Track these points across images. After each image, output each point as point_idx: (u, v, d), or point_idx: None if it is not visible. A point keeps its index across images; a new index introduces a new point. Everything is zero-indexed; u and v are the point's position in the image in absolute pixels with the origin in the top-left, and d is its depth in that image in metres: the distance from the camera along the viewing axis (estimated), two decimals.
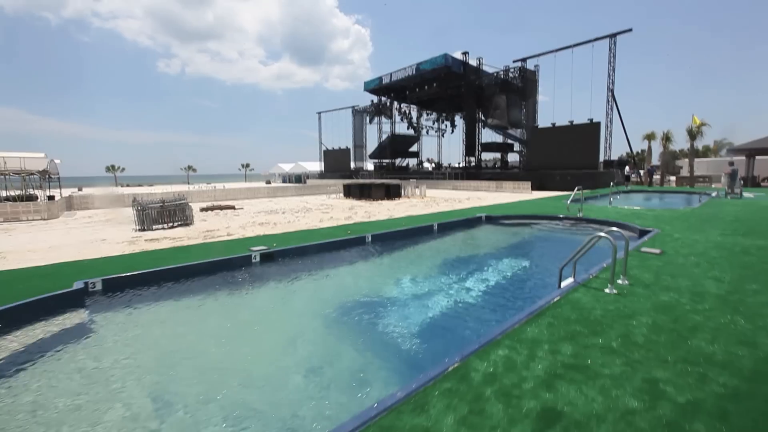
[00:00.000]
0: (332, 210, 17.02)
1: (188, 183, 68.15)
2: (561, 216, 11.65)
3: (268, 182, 60.14)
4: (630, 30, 32.57)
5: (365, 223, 11.39)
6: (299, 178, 58.21)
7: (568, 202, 11.38)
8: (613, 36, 32.80)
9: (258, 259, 7.06)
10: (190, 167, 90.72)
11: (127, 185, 64.36)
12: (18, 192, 24.41)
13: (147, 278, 5.82)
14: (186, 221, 13.40)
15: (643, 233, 8.80)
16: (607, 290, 4.55)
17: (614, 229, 4.79)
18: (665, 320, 3.71)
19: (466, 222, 11.54)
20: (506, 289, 5.76)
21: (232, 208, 19.36)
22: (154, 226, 12.39)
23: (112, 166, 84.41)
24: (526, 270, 6.74)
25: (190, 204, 14.40)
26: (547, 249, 8.64)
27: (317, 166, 66.21)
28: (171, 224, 12.86)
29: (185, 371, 3.70)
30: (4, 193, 24.03)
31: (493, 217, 12.10)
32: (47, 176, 27.59)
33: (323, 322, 4.85)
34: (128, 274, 5.76)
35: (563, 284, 5.01)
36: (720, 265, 5.67)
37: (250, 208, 19.35)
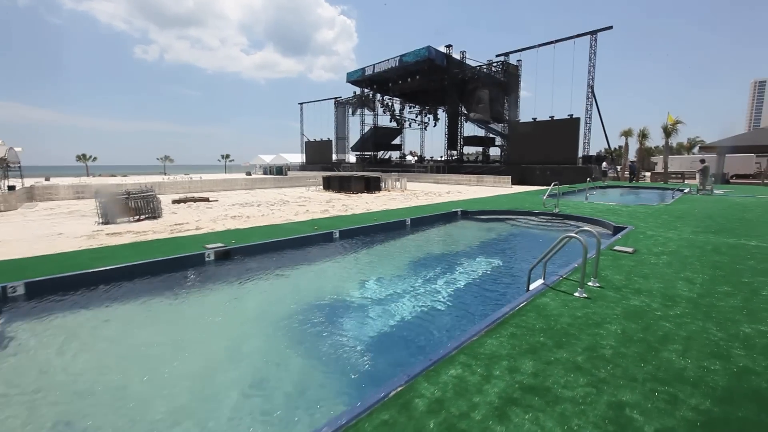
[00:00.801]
0: (309, 203, 16.59)
1: (165, 173, 66.10)
2: (536, 212, 11.47)
3: (249, 174, 58.68)
4: (611, 27, 32.81)
5: (338, 218, 10.94)
6: (280, 170, 57.00)
7: (544, 197, 11.20)
8: (593, 33, 32.96)
9: (212, 257, 6.54)
10: (166, 157, 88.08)
11: (99, 175, 61.78)
12: None
13: (79, 281, 5.24)
14: (153, 214, 12.82)
15: (617, 230, 8.67)
16: (576, 293, 4.28)
17: (586, 228, 4.51)
18: (635, 329, 3.44)
19: (441, 217, 11.23)
20: (473, 293, 5.41)
21: (206, 200, 18.71)
22: (118, 220, 11.78)
23: (83, 155, 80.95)
24: (496, 270, 6.43)
25: (158, 196, 13.74)
26: (520, 247, 8.39)
27: (299, 157, 65.07)
28: (137, 217, 12.28)
29: (95, 399, 3.19)
30: None
31: (469, 213, 11.83)
32: (5, 165, 25.98)
33: (271, 331, 4.42)
34: (57, 276, 5.17)
35: (532, 286, 4.72)
36: (692, 265, 5.49)
37: (225, 200, 18.76)
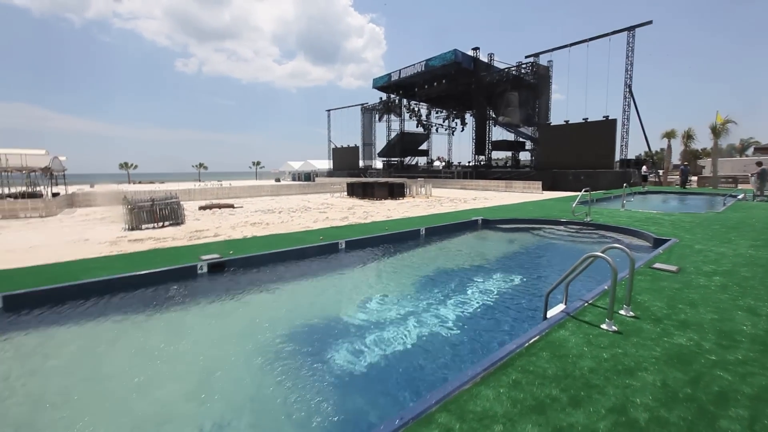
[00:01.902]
0: (331, 210, 16.40)
1: (199, 180, 68.71)
2: (565, 220, 10.47)
3: (278, 180, 59.88)
4: (650, 22, 30.75)
5: (349, 227, 10.44)
6: (308, 176, 57.74)
7: (574, 204, 10.20)
8: (631, 29, 30.99)
9: (205, 269, 6.18)
10: (201, 165, 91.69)
11: (139, 182, 65.05)
12: (21, 189, 24.41)
13: (60, 294, 4.99)
14: (177, 220, 13.06)
15: (657, 243, 7.61)
16: (604, 326, 3.49)
17: (616, 246, 3.72)
18: (681, 380, 2.65)
19: (459, 227, 10.46)
20: (480, 320, 4.60)
21: (231, 206, 18.99)
22: (143, 226, 12.10)
23: (126, 164, 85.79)
24: (512, 291, 5.61)
25: (182, 203, 14.02)
26: (544, 262, 7.46)
27: (326, 164, 65.69)
28: (161, 223, 12.55)
29: None
30: (8, 190, 24.04)
31: (490, 221, 10.98)
32: (50, 173, 27.53)
33: (251, 356, 3.92)
34: (38, 289, 4.94)
35: (550, 313, 3.96)
36: (754, 290, 4.51)
37: (249, 206, 18.98)
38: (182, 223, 13.03)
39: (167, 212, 13.10)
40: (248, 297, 5.52)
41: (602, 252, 3.80)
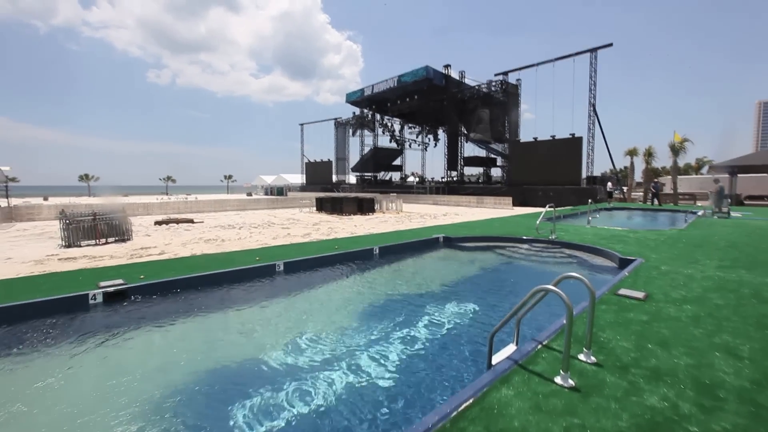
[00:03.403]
0: (295, 225, 15.68)
1: (166, 193, 66.07)
2: (528, 238, 9.93)
3: (249, 194, 58.03)
4: (610, 45, 32.01)
5: (293, 246, 9.50)
6: (281, 191, 56.35)
7: (538, 222, 9.69)
8: (593, 50, 32.16)
9: (99, 299, 5.09)
10: (169, 177, 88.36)
11: (105, 195, 61.51)
12: None
13: None
14: (123, 237, 12.07)
15: (623, 263, 7.10)
16: (559, 380, 2.74)
17: (573, 275, 3.01)
18: None
19: (419, 245, 9.71)
20: (419, 371, 3.75)
21: (191, 221, 17.93)
22: (83, 242, 11.14)
23: (86, 175, 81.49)
24: (463, 325, 4.78)
25: (128, 217, 12.93)
26: (503, 287, 6.68)
27: (300, 178, 64.49)
28: (104, 240, 11.60)
29: None
30: None
31: (452, 240, 10.31)
32: None
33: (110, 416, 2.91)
34: None
35: (496, 360, 3.19)
36: (729, 322, 3.92)
37: (210, 221, 18.10)
38: (129, 239, 12.06)
39: (111, 227, 12.01)
40: (137, 336, 4.46)
41: (556, 282, 3.09)
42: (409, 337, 4.38)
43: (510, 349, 3.44)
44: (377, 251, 8.58)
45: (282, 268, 6.92)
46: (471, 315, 5.13)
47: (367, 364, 3.78)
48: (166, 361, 4.00)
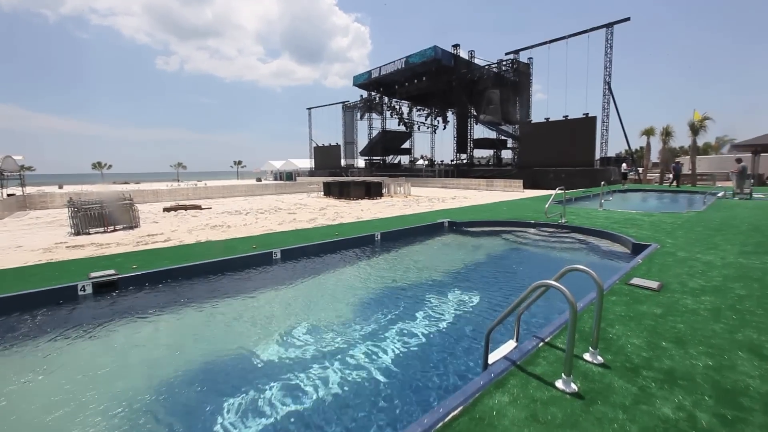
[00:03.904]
0: (301, 210, 15.63)
1: (177, 180, 66.85)
2: (537, 222, 9.55)
3: (259, 180, 58.22)
4: (628, 19, 30.42)
5: (295, 232, 9.30)
6: (290, 176, 56.33)
7: (547, 205, 9.27)
8: (609, 26, 30.63)
9: (89, 290, 4.96)
10: (179, 164, 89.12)
11: (113, 182, 62.52)
12: None
13: None
14: (130, 224, 12.27)
15: (636, 249, 6.71)
16: (560, 384, 2.47)
17: (578, 268, 2.70)
18: None
19: (425, 230, 9.42)
20: (414, 369, 3.50)
21: (198, 207, 17.98)
22: (92, 230, 11.40)
23: (99, 163, 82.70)
24: (463, 318, 4.50)
25: (135, 204, 12.99)
26: (509, 276, 6.32)
27: (308, 163, 64.26)
28: (113, 227, 11.82)
29: None
30: None
31: (458, 224, 9.98)
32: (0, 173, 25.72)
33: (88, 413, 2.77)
34: None
35: (493, 358, 2.93)
36: (754, 316, 3.57)
37: (218, 207, 18.24)
38: (136, 226, 12.25)
39: (118, 215, 12.18)
40: (123, 328, 4.32)
41: (560, 276, 2.79)
42: (405, 332, 4.14)
43: (509, 346, 3.17)
44: (378, 237, 8.33)
45: (279, 255, 6.73)
46: (472, 306, 4.86)
47: (354, 361, 3.57)
48: (150, 355, 3.85)
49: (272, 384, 3.20)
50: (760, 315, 3.58)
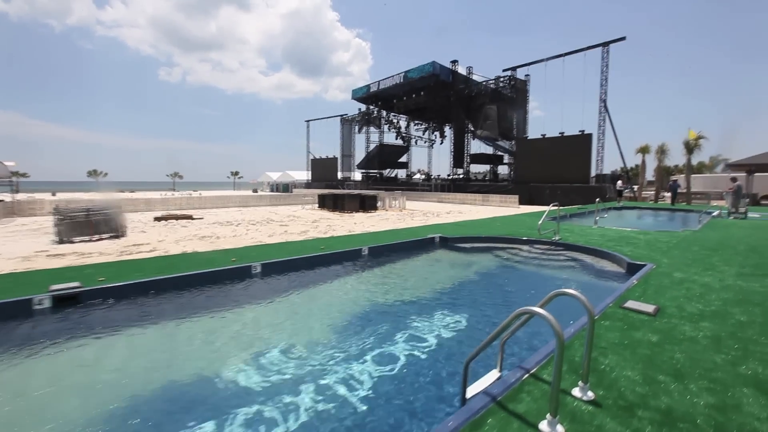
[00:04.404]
0: (294, 222, 15.45)
1: (173, 190, 66.63)
2: (530, 239, 9.30)
3: (255, 191, 57.98)
4: (623, 38, 30.94)
5: (280, 245, 9.02)
6: (286, 188, 56.20)
7: (540, 222, 9.06)
8: (605, 44, 31.12)
9: (47, 304, 4.63)
10: (176, 174, 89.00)
11: (120, 190, 62.11)
12: None
13: None
14: (116, 233, 11.96)
15: (631, 269, 6.46)
16: (544, 426, 2.17)
17: (567, 292, 2.43)
18: None
19: (415, 245, 9.15)
20: (385, 406, 3.19)
21: (189, 218, 17.72)
22: (76, 238, 11.05)
23: (94, 171, 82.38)
24: (445, 348, 4.10)
25: (123, 213, 12.76)
26: (497, 297, 6.02)
27: (305, 175, 64.26)
28: (99, 236, 11.49)
29: None
30: None
31: (449, 240, 9.72)
32: None
33: None
34: None
35: (471, 391, 2.63)
36: (757, 345, 3.30)
37: (210, 218, 17.98)
38: (123, 235, 11.95)
39: (104, 223, 11.88)
40: (75, 347, 3.99)
41: (547, 301, 2.52)
42: (381, 359, 3.83)
43: (492, 376, 2.88)
44: (366, 252, 8.05)
45: (259, 270, 6.42)
46: (457, 331, 4.56)
47: (324, 389, 3.25)
48: (95, 378, 3.52)
49: (230, 415, 2.88)
50: (763, 344, 3.31)
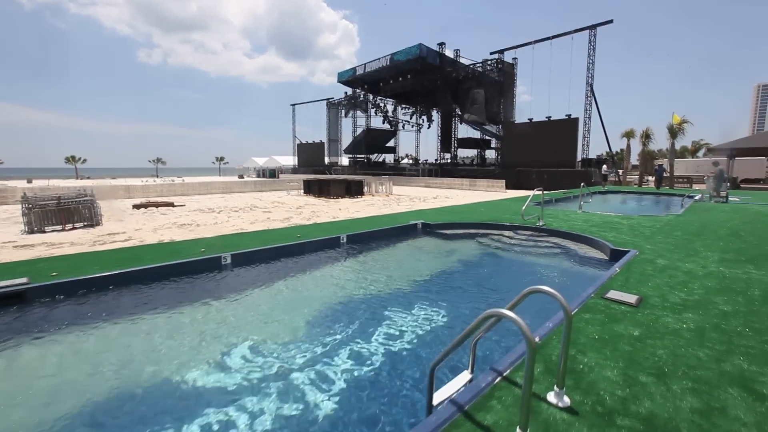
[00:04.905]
0: (278, 209, 15.07)
1: (156, 176, 64.85)
2: (513, 224, 9.13)
3: (241, 176, 56.85)
4: (611, 21, 30.61)
5: (258, 233, 8.66)
6: (273, 173, 55.20)
7: (524, 207, 8.87)
8: (592, 27, 30.75)
9: None
10: (158, 159, 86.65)
11: (88, 177, 60.17)
12: None
13: None
14: (91, 221, 11.57)
15: (614, 255, 6.33)
16: None
17: (542, 289, 2.19)
18: None
19: (396, 232, 8.89)
20: (346, 411, 2.92)
21: (171, 205, 17.20)
22: (47, 228, 10.67)
23: (72, 157, 79.54)
24: (418, 345, 3.94)
25: (97, 201, 12.26)
26: (477, 284, 5.84)
27: (292, 160, 63.17)
28: (71, 225, 11.12)
29: None
30: None
31: (431, 226, 9.48)
32: None
33: None
34: None
35: (439, 397, 2.40)
36: (742, 338, 3.15)
37: (192, 204, 17.49)
38: (98, 224, 11.56)
39: (77, 212, 11.52)
40: (10, 352, 3.64)
41: (520, 299, 2.27)
42: (351, 356, 3.58)
43: (462, 379, 2.65)
44: (344, 240, 7.75)
45: (229, 261, 6.08)
46: (432, 327, 4.33)
47: (285, 390, 2.99)
48: (33, 386, 3.20)
49: (201, 410, 2.60)
50: (747, 337, 3.16)
